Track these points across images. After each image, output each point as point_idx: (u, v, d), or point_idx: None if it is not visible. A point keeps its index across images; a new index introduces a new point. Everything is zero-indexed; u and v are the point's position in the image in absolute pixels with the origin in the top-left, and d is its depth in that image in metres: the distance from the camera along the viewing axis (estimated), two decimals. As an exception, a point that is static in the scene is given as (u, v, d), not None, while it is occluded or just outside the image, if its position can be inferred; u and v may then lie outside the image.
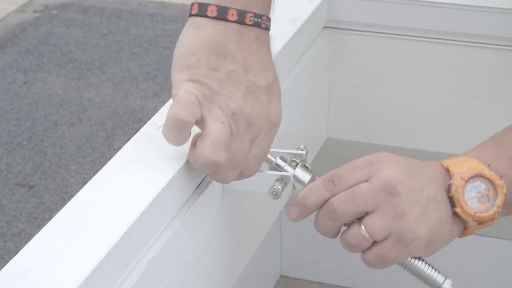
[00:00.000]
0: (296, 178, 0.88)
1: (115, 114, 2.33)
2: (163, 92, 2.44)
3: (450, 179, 0.87)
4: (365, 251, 0.87)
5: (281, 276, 1.59)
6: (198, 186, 0.86)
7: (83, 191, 0.79)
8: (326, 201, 0.86)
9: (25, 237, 1.83)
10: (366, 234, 0.85)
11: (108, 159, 0.84)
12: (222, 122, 0.79)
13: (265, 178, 0.89)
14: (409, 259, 0.88)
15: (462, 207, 0.86)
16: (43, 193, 1.98)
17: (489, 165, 0.87)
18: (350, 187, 0.85)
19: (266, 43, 0.85)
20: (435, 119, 1.30)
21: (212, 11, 0.82)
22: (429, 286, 0.90)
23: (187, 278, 0.85)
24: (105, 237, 0.72)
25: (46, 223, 0.74)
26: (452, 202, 0.86)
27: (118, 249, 0.72)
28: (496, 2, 1.20)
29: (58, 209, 0.77)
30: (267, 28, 0.85)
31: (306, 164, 0.89)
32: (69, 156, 2.12)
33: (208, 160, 0.79)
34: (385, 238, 0.85)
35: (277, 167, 0.88)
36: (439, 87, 1.28)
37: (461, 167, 0.87)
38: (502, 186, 0.86)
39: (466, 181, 0.86)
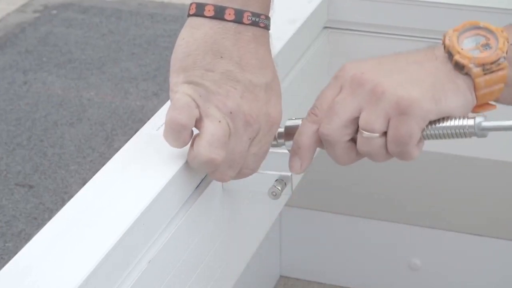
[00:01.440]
0: (288, 129, 0.87)
1: (115, 114, 2.32)
2: (162, 92, 2.44)
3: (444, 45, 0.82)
4: (387, 148, 0.82)
5: (281, 276, 1.59)
6: (198, 186, 0.86)
7: (82, 191, 0.79)
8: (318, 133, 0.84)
9: (24, 237, 1.83)
10: (368, 133, 0.81)
11: (107, 159, 0.84)
12: (220, 121, 0.79)
13: (265, 178, 0.89)
14: (429, 126, 0.81)
15: (459, 53, 0.80)
16: (42, 193, 1.98)
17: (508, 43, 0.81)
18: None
19: (265, 41, 0.84)
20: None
21: (209, 10, 0.82)
22: (465, 137, 0.82)
23: (187, 278, 0.85)
24: (105, 237, 0.72)
25: (46, 223, 0.74)
26: (450, 54, 0.81)
27: (118, 249, 0.72)
28: (495, 2, 1.20)
29: (58, 209, 0.77)
30: (266, 27, 0.84)
31: (294, 118, 0.88)
32: (69, 156, 2.12)
33: (204, 159, 0.79)
34: (388, 122, 0.81)
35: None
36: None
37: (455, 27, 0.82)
38: (502, 31, 0.81)
39: (460, 33, 0.81)
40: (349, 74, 0.83)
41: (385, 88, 0.80)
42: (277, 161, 0.89)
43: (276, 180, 0.89)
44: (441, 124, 0.81)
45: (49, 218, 0.75)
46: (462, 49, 0.80)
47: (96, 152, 2.14)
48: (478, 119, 0.81)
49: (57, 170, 2.07)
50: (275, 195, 0.88)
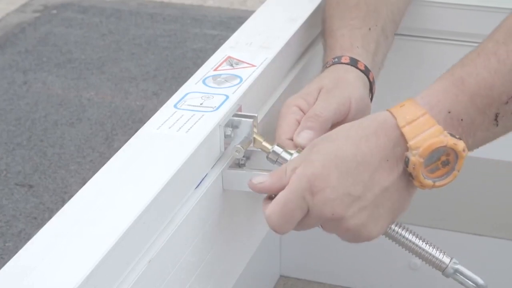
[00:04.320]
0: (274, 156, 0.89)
1: (115, 114, 2.33)
2: (162, 92, 2.44)
3: (407, 149, 0.82)
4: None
5: (281, 276, 1.59)
6: (198, 186, 0.86)
7: (82, 191, 0.79)
8: None
9: (24, 237, 1.83)
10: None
11: (107, 159, 0.84)
12: None
13: (265, 178, 0.89)
14: (409, 237, 0.88)
15: (420, 182, 0.83)
16: (42, 193, 1.98)
17: (449, 112, 0.83)
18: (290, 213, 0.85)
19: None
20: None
21: None
22: (430, 265, 0.88)
23: (187, 278, 0.85)
24: (105, 237, 0.72)
25: (46, 223, 0.74)
26: (411, 176, 0.83)
27: (118, 249, 0.72)
28: (495, 2, 1.20)
29: (57, 209, 0.77)
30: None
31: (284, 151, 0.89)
32: (69, 156, 2.12)
33: None
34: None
35: (274, 155, 0.88)
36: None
37: (419, 139, 0.82)
38: (463, 150, 0.82)
39: (425, 159, 0.82)
40: (317, 211, 0.84)
41: (350, 227, 0.85)
42: (277, 161, 0.89)
43: (276, 180, 0.89)
44: (418, 243, 0.88)
45: (49, 218, 0.75)
46: (424, 179, 0.83)
47: (96, 152, 2.14)
48: (454, 261, 0.88)
49: (57, 170, 2.07)
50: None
